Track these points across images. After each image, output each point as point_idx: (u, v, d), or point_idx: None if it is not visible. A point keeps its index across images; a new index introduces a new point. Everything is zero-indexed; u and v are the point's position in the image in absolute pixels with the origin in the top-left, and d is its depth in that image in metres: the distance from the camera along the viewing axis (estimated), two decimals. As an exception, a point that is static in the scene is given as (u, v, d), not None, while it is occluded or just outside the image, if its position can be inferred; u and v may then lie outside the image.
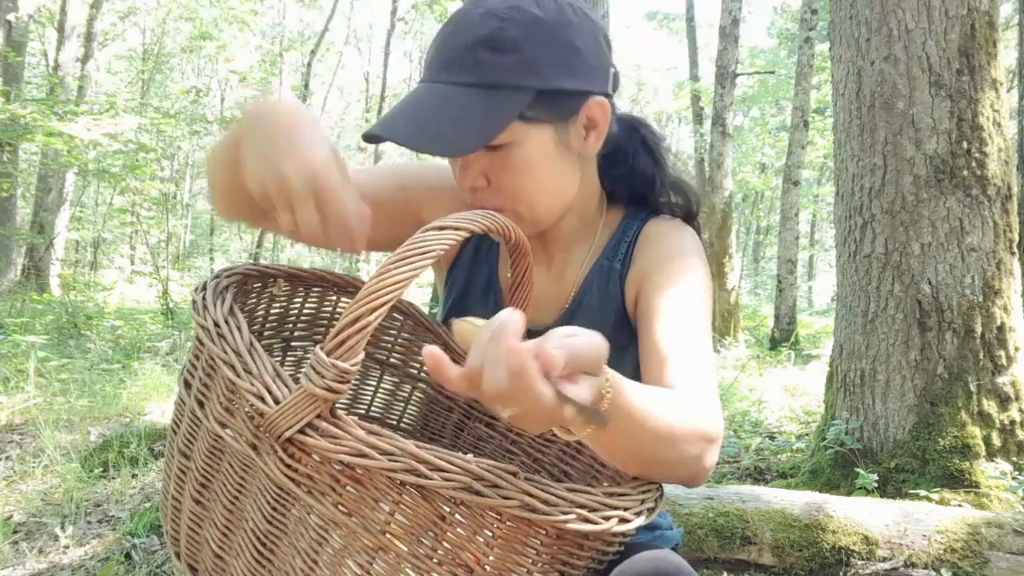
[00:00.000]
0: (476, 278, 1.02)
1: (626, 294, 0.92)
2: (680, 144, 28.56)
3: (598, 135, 0.86)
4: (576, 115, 0.84)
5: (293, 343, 0.98)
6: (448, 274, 1.05)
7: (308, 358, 0.76)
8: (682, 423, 0.68)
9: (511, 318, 0.51)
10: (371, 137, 0.80)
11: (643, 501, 0.66)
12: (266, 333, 0.95)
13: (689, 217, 0.97)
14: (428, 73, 0.83)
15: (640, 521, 0.64)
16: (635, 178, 0.97)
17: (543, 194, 0.85)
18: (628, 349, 0.90)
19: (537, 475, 0.74)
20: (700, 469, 0.71)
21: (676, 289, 0.85)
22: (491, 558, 0.62)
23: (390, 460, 0.58)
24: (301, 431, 0.60)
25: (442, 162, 0.97)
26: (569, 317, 0.94)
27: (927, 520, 1.90)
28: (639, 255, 0.92)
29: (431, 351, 0.52)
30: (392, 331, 1.03)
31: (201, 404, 0.71)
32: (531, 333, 0.99)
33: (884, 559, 1.84)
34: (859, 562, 1.85)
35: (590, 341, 0.53)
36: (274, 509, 0.66)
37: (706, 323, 0.84)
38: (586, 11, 0.84)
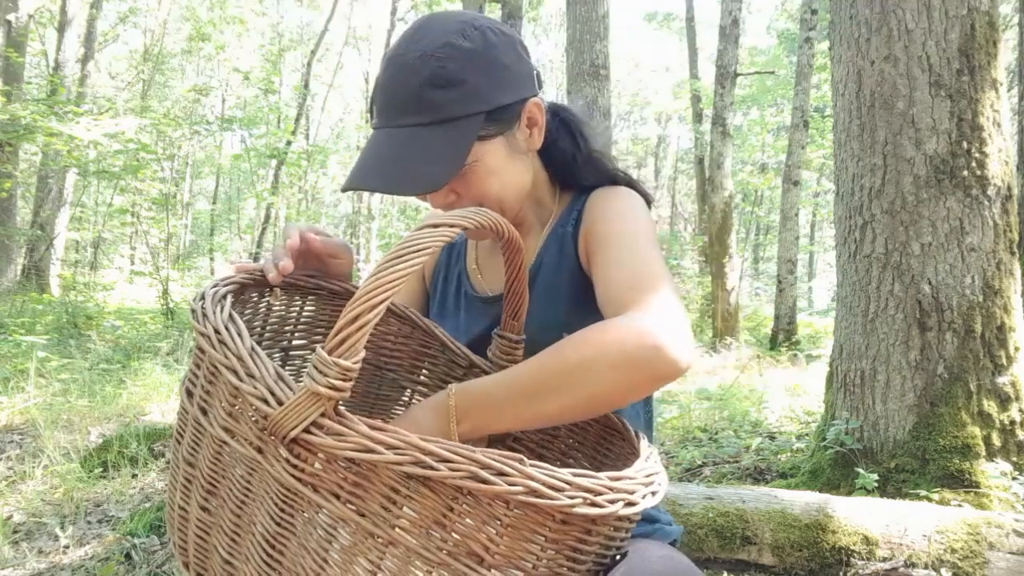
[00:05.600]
0: (451, 280, 1.13)
1: (579, 251, 1.00)
2: (680, 144, 28.55)
3: (539, 129, 0.97)
4: (519, 121, 0.95)
5: (292, 352, 0.99)
6: (432, 283, 1.15)
7: (307, 366, 0.76)
8: (585, 352, 0.72)
9: None
10: (350, 188, 0.88)
11: (647, 484, 0.67)
12: (264, 343, 0.95)
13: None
14: (382, 119, 0.90)
15: (645, 503, 0.65)
16: (555, 155, 1.06)
17: (507, 192, 0.96)
18: (592, 308, 0.92)
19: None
20: (654, 372, 0.72)
21: (621, 234, 0.92)
22: (501, 548, 0.62)
23: (396, 454, 0.58)
24: (306, 430, 0.60)
25: None
26: (531, 279, 1.00)
27: (927, 520, 1.90)
28: (586, 215, 1.01)
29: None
30: (390, 336, 1.04)
31: (204, 412, 0.71)
32: (495, 300, 1.02)
33: (884, 559, 1.84)
34: (859, 562, 1.85)
35: None
36: (282, 511, 0.66)
37: (654, 253, 0.89)
38: (502, 29, 0.94)
